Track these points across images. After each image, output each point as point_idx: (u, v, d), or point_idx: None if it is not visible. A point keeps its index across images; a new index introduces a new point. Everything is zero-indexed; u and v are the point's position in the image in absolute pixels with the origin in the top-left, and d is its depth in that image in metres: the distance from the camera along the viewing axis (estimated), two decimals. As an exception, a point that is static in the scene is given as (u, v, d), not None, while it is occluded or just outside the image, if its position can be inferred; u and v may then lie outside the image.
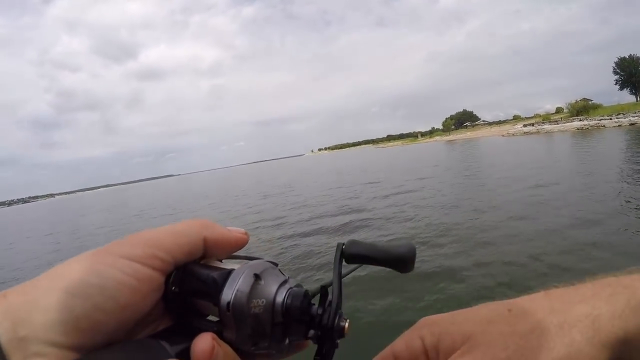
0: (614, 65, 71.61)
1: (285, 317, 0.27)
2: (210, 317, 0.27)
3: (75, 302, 0.22)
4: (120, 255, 0.24)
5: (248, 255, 0.31)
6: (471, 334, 0.28)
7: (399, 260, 0.31)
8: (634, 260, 3.92)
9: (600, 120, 42.99)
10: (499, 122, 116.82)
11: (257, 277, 0.27)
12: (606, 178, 8.99)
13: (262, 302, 0.26)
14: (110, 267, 0.24)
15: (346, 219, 8.56)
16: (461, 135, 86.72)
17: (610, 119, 42.15)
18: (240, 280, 0.26)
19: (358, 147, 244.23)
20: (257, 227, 9.07)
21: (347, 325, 0.28)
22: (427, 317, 0.32)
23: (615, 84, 72.81)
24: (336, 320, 0.28)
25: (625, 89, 71.94)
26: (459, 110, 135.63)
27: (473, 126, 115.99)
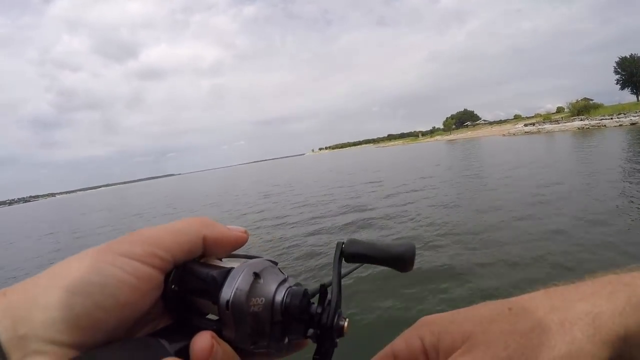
0: (615, 65, 71.52)
1: (284, 316, 0.27)
2: (210, 316, 0.27)
3: (75, 300, 0.22)
4: (120, 253, 0.24)
5: (247, 254, 0.31)
6: (471, 333, 0.28)
7: (399, 260, 0.31)
8: (637, 259, 3.90)
9: (601, 120, 42.91)
10: (500, 122, 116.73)
11: (256, 275, 0.27)
12: (608, 177, 8.97)
13: (262, 300, 0.26)
14: (110, 265, 0.24)
15: (347, 218, 8.54)
16: (462, 134, 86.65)
17: (611, 118, 42.06)
18: (240, 278, 0.26)
19: (359, 146, 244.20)
20: (258, 227, 9.05)
21: (346, 324, 0.28)
22: (426, 317, 0.32)
23: (617, 83, 72.68)
24: (335, 319, 0.28)
25: (626, 89, 71.76)
26: (460, 110, 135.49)
27: (474, 126, 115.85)
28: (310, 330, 0.28)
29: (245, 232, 0.31)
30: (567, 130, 42.67)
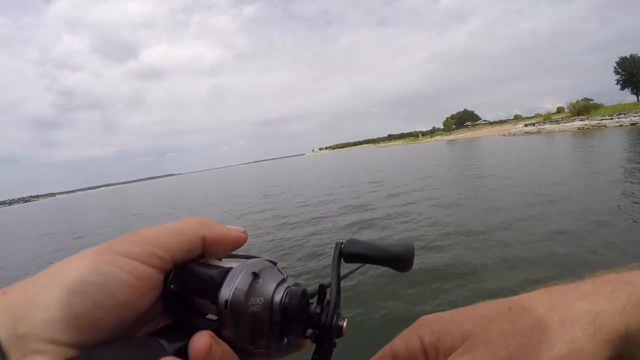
0: (615, 65, 71.50)
1: (283, 316, 0.27)
2: (209, 316, 0.27)
3: (75, 299, 0.22)
4: (119, 253, 0.24)
5: (247, 254, 0.31)
6: (471, 332, 0.28)
7: (398, 259, 0.31)
8: (638, 258, 3.88)
9: (602, 120, 42.91)
10: (500, 122, 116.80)
11: (255, 275, 0.27)
12: (609, 178, 8.96)
13: (260, 300, 0.26)
14: (109, 264, 0.24)
15: (348, 218, 8.54)
16: (462, 134, 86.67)
17: (612, 118, 42.06)
18: (239, 278, 0.26)
19: (359, 146, 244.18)
20: (258, 227, 9.04)
21: (345, 324, 0.28)
22: (426, 316, 0.32)
23: (617, 83, 72.63)
24: (334, 320, 0.28)
25: (626, 89, 71.74)
26: (460, 110, 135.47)
27: (474, 126, 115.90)
28: (309, 331, 0.28)
29: (245, 232, 0.31)
30: (567, 130, 42.67)
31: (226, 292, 0.25)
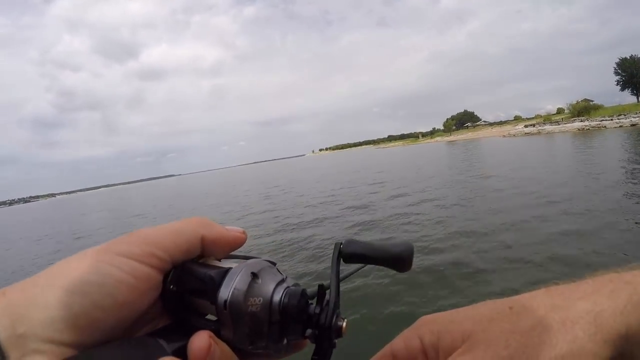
0: (615, 66, 71.57)
1: (282, 316, 0.27)
2: (209, 316, 0.27)
3: (74, 299, 0.22)
4: (118, 253, 0.25)
5: (246, 254, 0.31)
6: (471, 332, 0.28)
7: (397, 259, 0.31)
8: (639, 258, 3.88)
9: (602, 121, 42.91)
10: (500, 123, 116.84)
11: (254, 275, 0.27)
12: (610, 179, 8.95)
13: (259, 300, 0.26)
14: (108, 264, 0.24)
15: (349, 219, 8.54)
16: (462, 135, 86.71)
17: (612, 119, 42.07)
18: (238, 278, 0.26)
19: (359, 147, 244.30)
20: (259, 228, 9.04)
21: (344, 324, 0.28)
22: (426, 316, 0.32)
23: (617, 84, 72.71)
24: (334, 320, 0.28)
25: (626, 90, 71.82)
26: (460, 111, 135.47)
27: (474, 127, 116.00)
28: (309, 331, 0.28)
29: (244, 232, 0.31)
30: (567, 131, 42.70)
31: (225, 293, 0.25)
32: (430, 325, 0.31)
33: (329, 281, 0.30)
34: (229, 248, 0.30)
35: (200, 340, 0.23)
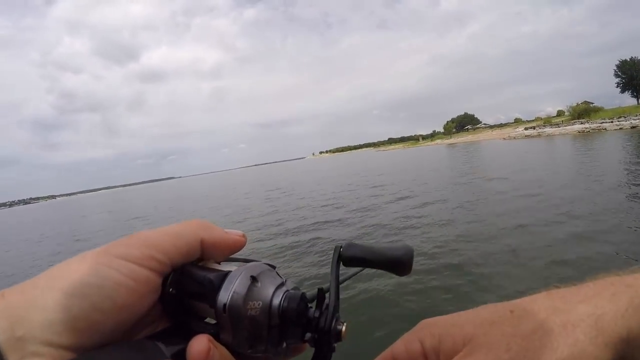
0: (615, 68, 71.77)
1: (282, 320, 0.27)
2: (208, 320, 0.27)
3: (73, 301, 0.22)
4: (117, 255, 0.25)
5: (246, 257, 0.31)
6: (473, 335, 0.28)
7: (397, 263, 0.31)
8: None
9: (602, 123, 43.01)
10: (501, 125, 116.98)
11: (253, 279, 0.27)
12: (612, 181, 8.93)
13: (259, 304, 0.26)
14: (106, 267, 0.24)
15: (349, 222, 8.50)
16: (462, 138, 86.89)
17: (612, 122, 42.15)
18: (237, 282, 0.26)
19: (359, 150, 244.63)
20: (259, 231, 9.01)
21: (344, 328, 0.28)
22: (427, 319, 0.32)
23: (617, 86, 72.97)
24: (333, 324, 0.28)
25: (626, 92, 71.98)
26: (460, 113, 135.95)
27: (474, 129, 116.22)
28: (308, 335, 0.28)
29: (243, 235, 0.31)
30: (567, 133, 42.79)
31: (224, 296, 0.25)
32: (431, 329, 0.31)
33: (328, 284, 0.30)
34: (229, 251, 0.30)
35: (199, 343, 0.23)
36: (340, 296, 0.30)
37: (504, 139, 55.19)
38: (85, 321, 0.22)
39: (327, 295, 0.29)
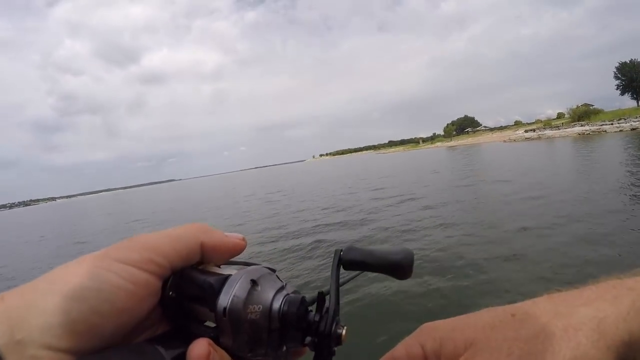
0: (615, 70, 71.87)
1: (282, 324, 0.27)
2: (208, 323, 0.27)
3: (72, 305, 0.22)
4: (116, 259, 0.25)
5: (246, 261, 0.31)
6: (474, 339, 0.28)
7: (397, 267, 0.31)
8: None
9: (602, 125, 43.05)
10: (501, 128, 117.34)
11: (253, 283, 0.27)
12: (614, 183, 8.90)
13: (259, 308, 0.26)
14: (105, 270, 0.24)
15: (350, 226, 8.48)
16: (462, 141, 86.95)
17: (612, 124, 42.19)
18: (237, 285, 0.26)
19: (360, 152, 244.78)
20: (259, 234, 8.99)
21: (344, 332, 0.28)
22: (428, 323, 0.32)
23: (617, 89, 73.01)
24: (333, 327, 0.28)
25: (626, 94, 72.03)
26: (461, 116, 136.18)
27: (474, 132, 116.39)
28: (308, 338, 0.28)
29: (243, 239, 0.31)
30: (567, 136, 42.80)
31: (224, 300, 0.25)
32: (432, 332, 0.31)
33: (328, 288, 0.30)
34: (229, 254, 0.30)
35: (199, 347, 0.23)
36: (341, 300, 0.30)
37: (505, 141, 55.24)
38: (85, 324, 0.22)
39: (327, 298, 0.29)
